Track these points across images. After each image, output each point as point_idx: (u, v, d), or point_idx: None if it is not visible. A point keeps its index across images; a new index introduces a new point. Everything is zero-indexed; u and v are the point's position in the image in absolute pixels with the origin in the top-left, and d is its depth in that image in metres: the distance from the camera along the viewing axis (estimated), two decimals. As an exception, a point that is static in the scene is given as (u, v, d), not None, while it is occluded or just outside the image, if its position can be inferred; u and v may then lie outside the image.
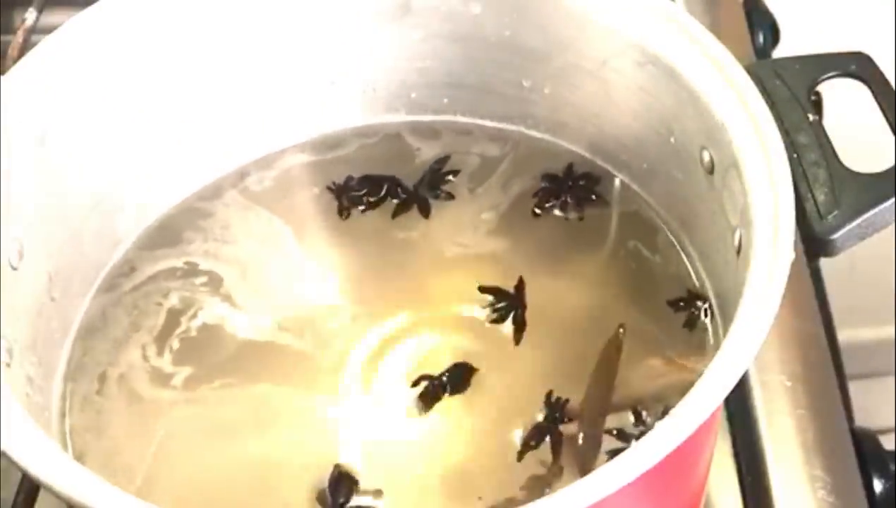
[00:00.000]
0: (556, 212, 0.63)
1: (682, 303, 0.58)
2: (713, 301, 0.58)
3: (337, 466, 0.54)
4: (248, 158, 0.66)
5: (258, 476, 0.55)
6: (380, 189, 0.64)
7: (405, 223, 0.64)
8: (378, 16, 0.64)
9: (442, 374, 0.57)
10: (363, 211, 0.64)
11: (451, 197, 0.64)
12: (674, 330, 0.58)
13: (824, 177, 0.57)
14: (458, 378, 0.57)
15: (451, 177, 0.65)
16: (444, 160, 0.65)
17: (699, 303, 0.58)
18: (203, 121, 0.64)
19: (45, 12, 0.73)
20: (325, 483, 0.54)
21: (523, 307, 0.59)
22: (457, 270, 0.62)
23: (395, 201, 0.64)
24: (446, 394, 0.56)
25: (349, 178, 0.65)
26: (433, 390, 0.56)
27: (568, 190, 0.64)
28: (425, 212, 0.64)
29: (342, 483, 0.54)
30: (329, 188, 0.65)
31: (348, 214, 0.64)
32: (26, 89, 0.57)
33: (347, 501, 0.53)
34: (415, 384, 0.57)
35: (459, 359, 0.57)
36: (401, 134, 0.67)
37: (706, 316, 0.58)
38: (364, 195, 0.64)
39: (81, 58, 0.59)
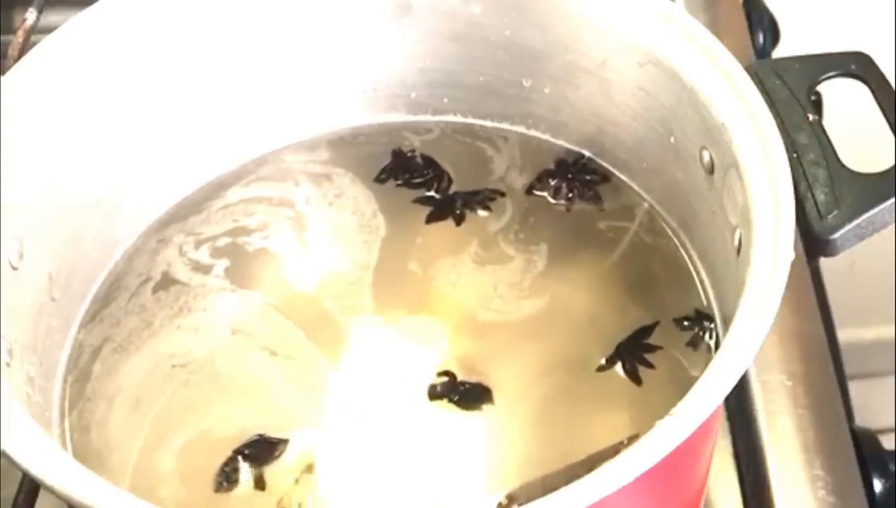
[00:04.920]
0: (550, 199, 0.63)
1: (687, 322, 0.58)
2: (716, 314, 0.58)
3: (286, 441, 0.55)
4: (247, 158, 0.66)
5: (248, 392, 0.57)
6: (424, 176, 0.65)
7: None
8: (378, 16, 0.64)
9: (462, 383, 0.57)
10: (398, 185, 0.65)
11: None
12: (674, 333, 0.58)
13: (824, 177, 0.57)
14: (472, 396, 0.57)
15: (483, 212, 0.64)
16: (496, 193, 0.64)
17: (706, 324, 0.58)
18: (202, 120, 0.64)
19: (45, 12, 0.73)
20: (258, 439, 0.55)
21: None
22: (466, 275, 0.61)
23: (427, 193, 0.64)
24: (454, 402, 0.56)
25: (413, 151, 0.66)
26: (444, 388, 0.57)
27: (569, 181, 0.64)
28: (441, 216, 0.63)
29: (261, 449, 0.55)
30: (393, 151, 0.66)
31: (385, 180, 0.65)
32: (26, 89, 0.57)
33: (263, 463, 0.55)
34: (439, 375, 0.57)
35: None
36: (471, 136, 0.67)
37: (711, 337, 0.57)
38: (409, 174, 0.65)
39: (81, 58, 0.59)
